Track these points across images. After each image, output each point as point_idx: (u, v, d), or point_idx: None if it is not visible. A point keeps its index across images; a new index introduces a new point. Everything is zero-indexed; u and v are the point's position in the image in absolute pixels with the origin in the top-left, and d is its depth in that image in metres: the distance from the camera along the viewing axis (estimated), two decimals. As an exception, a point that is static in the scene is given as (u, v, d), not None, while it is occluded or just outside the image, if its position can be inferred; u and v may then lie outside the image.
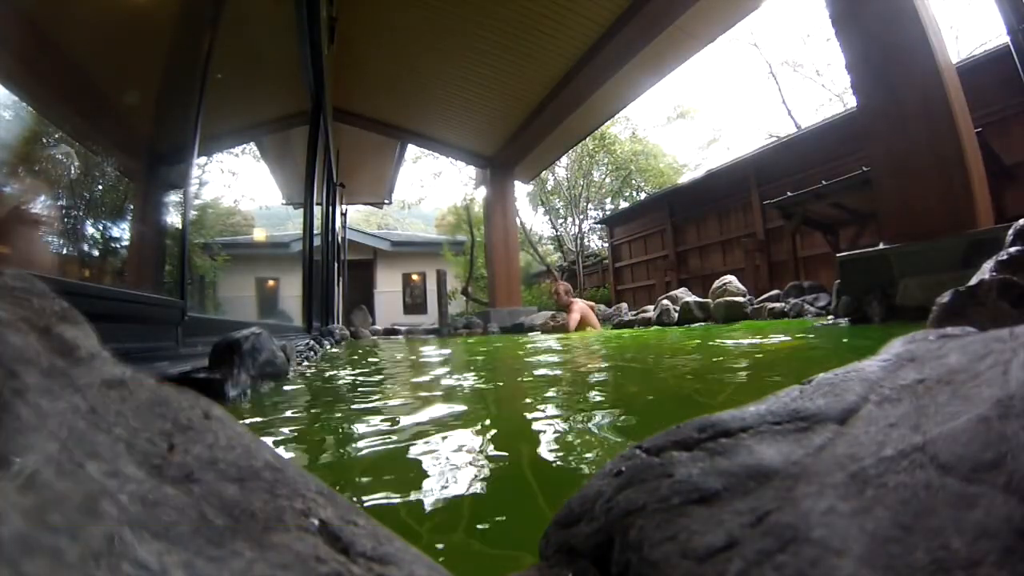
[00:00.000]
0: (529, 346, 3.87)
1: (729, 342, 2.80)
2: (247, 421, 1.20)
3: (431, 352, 3.85)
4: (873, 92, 3.44)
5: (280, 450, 0.97)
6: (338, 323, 8.28)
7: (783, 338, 2.76)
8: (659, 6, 5.62)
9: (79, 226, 2.72)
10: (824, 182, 6.35)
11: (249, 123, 5.49)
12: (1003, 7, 4.11)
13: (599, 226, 16.96)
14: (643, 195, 16.12)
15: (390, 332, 9.25)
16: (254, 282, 14.01)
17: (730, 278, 6.48)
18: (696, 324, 5.59)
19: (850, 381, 0.43)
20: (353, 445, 1.02)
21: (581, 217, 16.93)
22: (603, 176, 17.52)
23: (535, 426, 1.14)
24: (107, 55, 2.36)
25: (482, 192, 12.05)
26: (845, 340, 2.54)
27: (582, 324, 6.31)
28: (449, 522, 0.64)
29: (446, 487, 0.75)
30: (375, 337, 7.88)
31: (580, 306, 6.31)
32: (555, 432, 1.06)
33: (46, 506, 0.21)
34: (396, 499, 0.71)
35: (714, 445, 0.38)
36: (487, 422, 1.21)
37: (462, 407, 1.40)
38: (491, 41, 6.84)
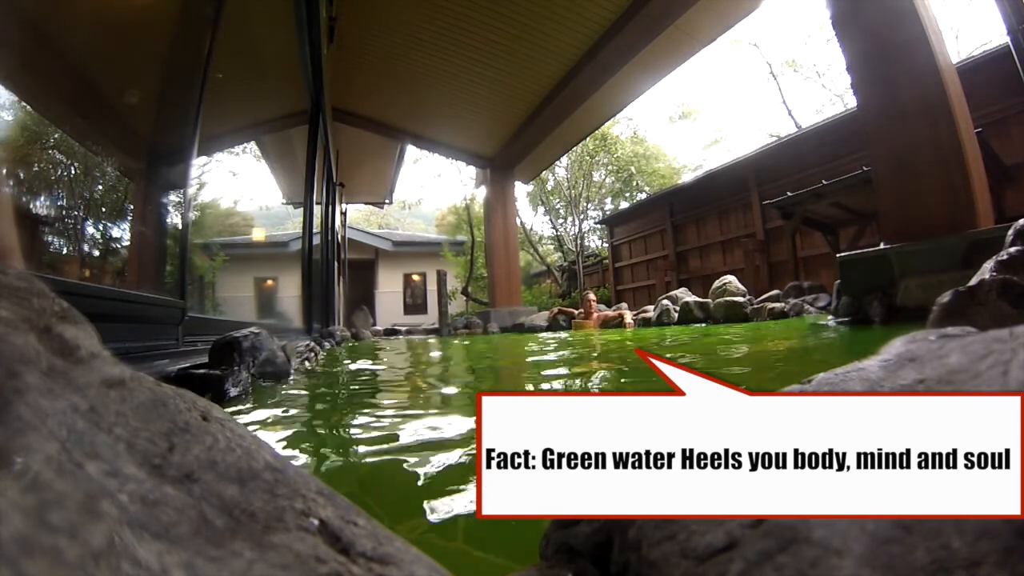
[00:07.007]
0: (537, 345, 3.87)
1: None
2: (247, 419, 1.20)
3: (431, 351, 3.85)
4: (873, 92, 3.43)
5: (280, 449, 0.96)
6: (339, 324, 8.26)
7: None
8: (659, 6, 5.62)
9: (81, 227, 2.72)
10: (824, 182, 6.34)
11: (249, 123, 5.49)
12: (1003, 7, 4.11)
13: (599, 226, 16.95)
14: (643, 196, 16.12)
15: (390, 332, 9.28)
16: (253, 282, 13.92)
17: (730, 278, 6.48)
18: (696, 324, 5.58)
19: (850, 381, 0.43)
20: (353, 444, 1.02)
21: (581, 217, 16.92)
22: (603, 176, 17.51)
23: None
24: (107, 55, 2.36)
25: (482, 192, 12.05)
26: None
27: (598, 321, 7.78)
28: (449, 521, 0.64)
29: (446, 485, 0.75)
30: (376, 338, 7.92)
31: (598, 314, 7.94)
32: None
33: (46, 506, 0.21)
34: (396, 498, 0.71)
35: (714, 445, 0.38)
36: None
37: (461, 405, 1.39)
38: (491, 41, 6.85)
